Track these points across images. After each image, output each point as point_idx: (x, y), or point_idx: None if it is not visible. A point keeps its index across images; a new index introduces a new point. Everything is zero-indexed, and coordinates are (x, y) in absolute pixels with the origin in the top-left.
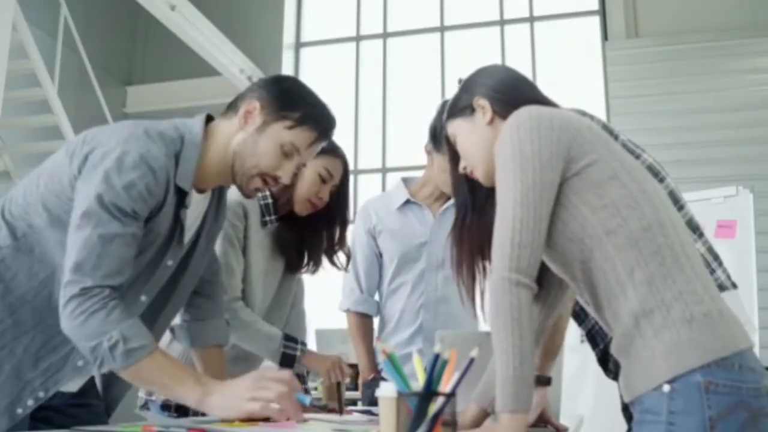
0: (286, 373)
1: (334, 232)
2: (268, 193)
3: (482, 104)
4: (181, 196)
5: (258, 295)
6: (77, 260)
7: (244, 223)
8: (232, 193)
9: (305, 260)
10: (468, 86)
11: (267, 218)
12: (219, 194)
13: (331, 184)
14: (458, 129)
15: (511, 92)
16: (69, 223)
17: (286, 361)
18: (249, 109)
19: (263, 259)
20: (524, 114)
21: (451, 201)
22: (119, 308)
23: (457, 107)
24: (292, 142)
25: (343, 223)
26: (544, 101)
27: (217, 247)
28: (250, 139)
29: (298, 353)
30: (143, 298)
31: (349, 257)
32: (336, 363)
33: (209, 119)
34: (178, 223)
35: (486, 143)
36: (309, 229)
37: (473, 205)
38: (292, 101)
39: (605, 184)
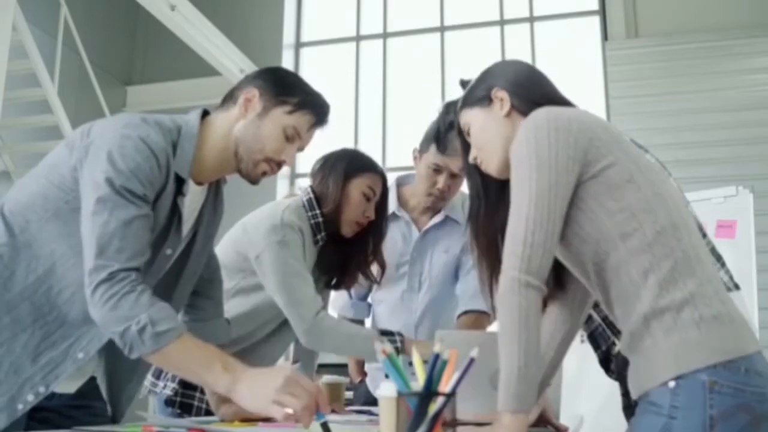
0: (315, 385)
1: (368, 245)
2: (318, 211)
3: (501, 96)
4: (179, 184)
5: None
6: (100, 246)
7: (303, 247)
8: (291, 219)
9: (342, 277)
10: (485, 77)
11: (318, 236)
12: (216, 188)
13: (375, 201)
14: (473, 119)
15: (530, 87)
16: (69, 215)
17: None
18: (248, 97)
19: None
20: (542, 116)
21: (437, 218)
22: (148, 292)
23: (474, 97)
24: (293, 126)
25: (378, 236)
26: (561, 99)
27: (284, 268)
28: (252, 125)
29: (398, 344)
30: None
31: (383, 269)
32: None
33: (205, 114)
34: (176, 211)
35: (501, 135)
36: (352, 248)
37: (486, 196)
38: (289, 87)
39: (621, 187)
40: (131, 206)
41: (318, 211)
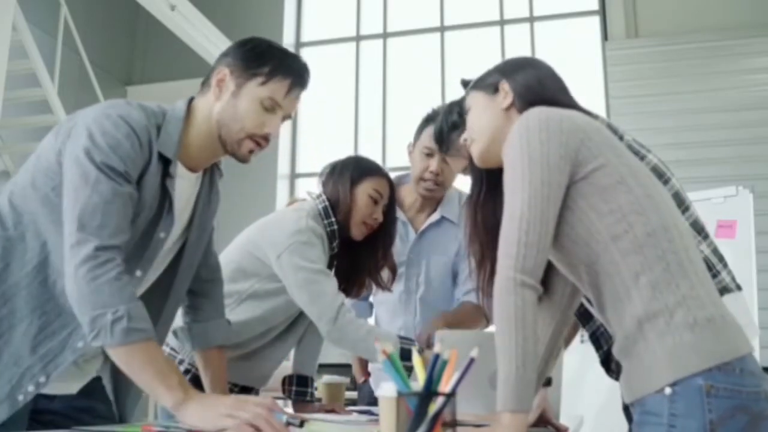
0: (267, 399)
1: (378, 250)
2: (333, 219)
3: (506, 90)
4: (166, 165)
5: (301, 319)
6: (81, 220)
7: (323, 248)
8: (315, 226)
9: (352, 283)
10: (503, 67)
11: (334, 244)
12: (210, 177)
13: (383, 204)
14: (475, 101)
15: (537, 90)
16: (57, 202)
17: (406, 357)
18: (220, 78)
19: None
20: (534, 116)
21: (434, 217)
22: (131, 285)
23: (484, 82)
24: (269, 97)
25: (388, 239)
26: (566, 104)
27: (306, 263)
28: (228, 105)
29: (419, 348)
30: (138, 272)
31: (394, 274)
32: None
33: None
34: (166, 194)
35: (494, 125)
36: (361, 254)
37: (488, 179)
38: (258, 58)
39: (612, 188)
40: (112, 182)
41: (333, 219)
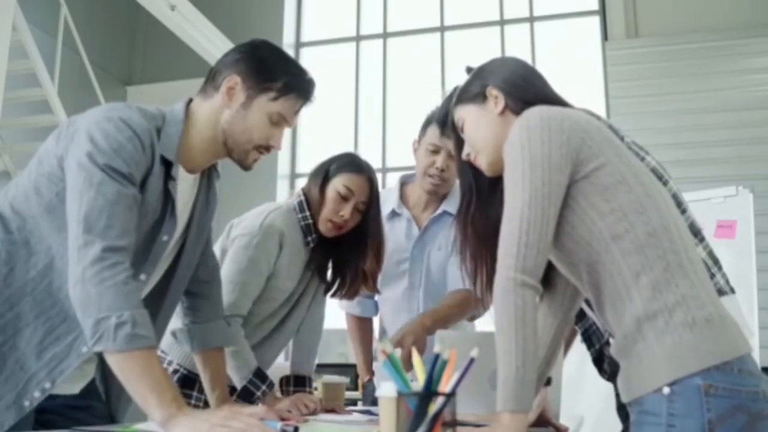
0: (261, 408)
1: (364, 252)
2: (308, 213)
3: (495, 94)
4: (168, 168)
5: (291, 317)
6: (87, 222)
7: (278, 252)
8: (274, 221)
9: (338, 283)
10: (481, 74)
11: (309, 238)
12: (208, 179)
13: (355, 201)
14: (467, 115)
15: (524, 87)
16: (61, 208)
17: (245, 394)
18: (231, 86)
19: (295, 280)
20: (534, 115)
21: (438, 211)
22: (138, 290)
23: (469, 93)
24: (279, 113)
25: (377, 243)
26: (556, 99)
27: (233, 264)
28: (238, 115)
29: (258, 394)
30: (143, 276)
31: (375, 278)
32: (295, 402)
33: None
34: (168, 197)
35: (494, 132)
36: (340, 251)
37: (478, 191)
38: (271, 72)
39: (613, 188)
40: (117, 184)
41: (308, 213)
